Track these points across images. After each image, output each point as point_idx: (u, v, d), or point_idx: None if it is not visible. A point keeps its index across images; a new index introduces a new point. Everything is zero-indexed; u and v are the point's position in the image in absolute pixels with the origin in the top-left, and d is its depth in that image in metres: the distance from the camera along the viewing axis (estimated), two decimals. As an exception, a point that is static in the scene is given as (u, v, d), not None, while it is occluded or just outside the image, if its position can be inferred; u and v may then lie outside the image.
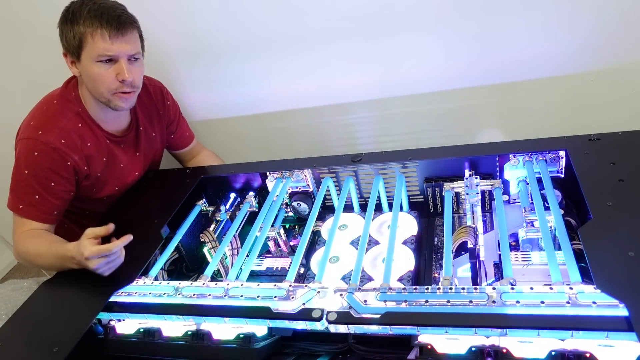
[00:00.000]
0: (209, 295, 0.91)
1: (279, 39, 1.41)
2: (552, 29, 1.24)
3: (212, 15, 1.41)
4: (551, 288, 0.74)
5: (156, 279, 1.04)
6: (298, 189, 1.28)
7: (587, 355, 0.69)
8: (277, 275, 1.15)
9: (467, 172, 1.09)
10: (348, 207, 1.23)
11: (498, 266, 0.94)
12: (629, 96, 1.31)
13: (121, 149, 1.27)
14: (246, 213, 1.24)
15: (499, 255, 0.92)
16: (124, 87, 1.12)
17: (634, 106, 1.32)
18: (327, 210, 1.27)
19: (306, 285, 0.87)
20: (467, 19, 1.27)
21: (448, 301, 0.76)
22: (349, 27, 1.34)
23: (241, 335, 0.87)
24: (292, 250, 1.22)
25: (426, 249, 1.12)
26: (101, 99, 1.14)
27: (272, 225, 1.16)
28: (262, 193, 1.31)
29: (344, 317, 0.79)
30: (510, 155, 1.06)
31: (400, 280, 1.00)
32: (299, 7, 1.33)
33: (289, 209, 1.31)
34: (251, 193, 1.27)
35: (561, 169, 1.06)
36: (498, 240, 0.95)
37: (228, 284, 0.92)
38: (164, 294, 0.94)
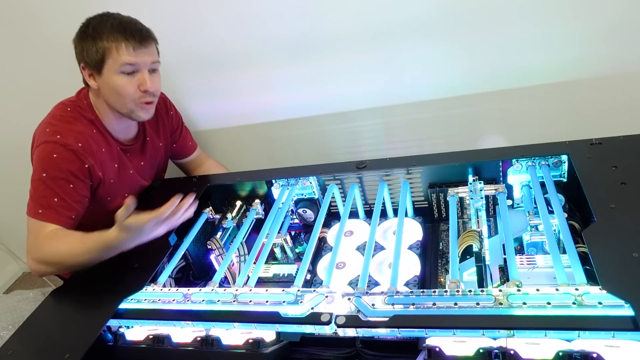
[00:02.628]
0: (218, 301, 0.91)
1: (282, 49, 1.44)
2: (553, 36, 1.26)
3: (216, 25, 1.43)
4: (557, 289, 0.75)
5: (164, 286, 1.05)
6: (304, 196, 1.29)
7: (594, 355, 0.70)
8: (284, 282, 1.16)
9: (471, 178, 1.11)
10: (353, 214, 1.24)
11: (504, 270, 0.95)
12: (630, 101, 1.33)
13: (127, 157, 1.29)
14: (252, 220, 1.25)
15: (504, 259, 0.93)
16: (146, 96, 1.16)
17: (634, 110, 1.34)
18: (332, 216, 1.28)
19: (314, 290, 0.88)
20: (468, 27, 1.29)
21: (455, 303, 0.77)
22: (352, 37, 1.36)
23: (250, 341, 0.88)
24: (299, 257, 1.23)
25: (432, 254, 1.13)
26: (123, 110, 1.17)
27: (279, 232, 1.17)
28: (268, 201, 1.32)
29: (352, 321, 0.80)
30: (514, 160, 1.08)
31: (406, 285, 1.01)
32: (302, 17, 1.36)
33: (294, 216, 1.32)
34: (257, 201, 1.28)
35: (564, 173, 1.07)
36: (503, 244, 0.96)
37: (237, 290, 0.93)
38: (173, 300, 0.94)
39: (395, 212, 1.19)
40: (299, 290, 0.89)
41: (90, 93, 1.22)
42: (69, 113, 1.19)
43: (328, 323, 0.80)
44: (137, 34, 1.11)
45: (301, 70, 1.47)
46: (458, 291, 0.80)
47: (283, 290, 0.90)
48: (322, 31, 1.37)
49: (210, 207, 1.27)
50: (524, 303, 0.74)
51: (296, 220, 1.32)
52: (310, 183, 1.25)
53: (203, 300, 0.92)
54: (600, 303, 0.70)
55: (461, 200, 1.14)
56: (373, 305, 0.82)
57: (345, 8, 1.31)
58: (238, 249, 1.15)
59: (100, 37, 1.09)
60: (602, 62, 1.28)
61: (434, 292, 0.81)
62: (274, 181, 1.28)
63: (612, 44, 1.25)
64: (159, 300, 0.95)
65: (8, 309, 1.67)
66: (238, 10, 1.38)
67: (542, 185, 1.03)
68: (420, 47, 1.35)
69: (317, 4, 1.33)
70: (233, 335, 0.91)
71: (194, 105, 1.65)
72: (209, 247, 1.18)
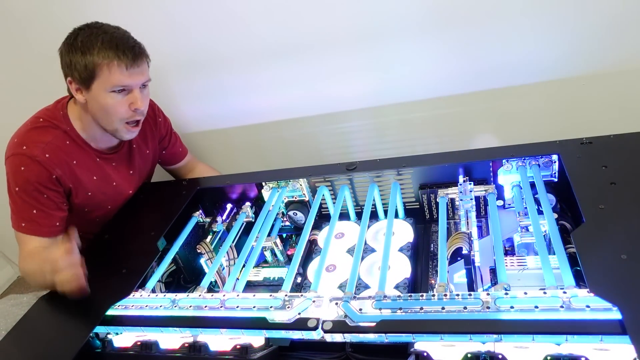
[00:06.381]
0: (205, 306, 0.90)
1: (271, 50, 1.43)
2: (543, 34, 1.26)
3: (204, 27, 1.42)
4: (545, 292, 0.74)
5: (153, 291, 1.04)
6: (294, 199, 1.28)
7: (583, 359, 0.69)
8: (274, 285, 1.15)
9: (461, 178, 1.10)
10: (344, 216, 1.23)
11: (494, 271, 0.94)
12: (620, 99, 1.32)
13: (113, 167, 1.27)
14: (242, 223, 1.24)
15: (495, 260, 0.92)
16: (135, 115, 1.14)
17: (624, 109, 1.33)
18: (323, 219, 1.28)
19: (302, 295, 0.87)
20: (458, 26, 1.28)
21: (443, 308, 0.76)
22: (341, 37, 1.36)
23: (238, 347, 0.87)
24: (289, 260, 1.23)
25: (422, 255, 1.12)
26: (108, 127, 1.15)
27: (269, 235, 1.16)
28: (258, 203, 1.31)
29: (339, 326, 0.79)
30: (504, 161, 1.07)
31: (396, 287, 1.00)
32: (291, 18, 1.35)
33: (285, 219, 1.31)
34: (247, 203, 1.27)
35: (554, 173, 1.06)
36: (493, 246, 0.96)
37: (224, 295, 0.92)
38: (161, 306, 0.93)
39: (386, 213, 1.18)
40: (286, 295, 0.88)
41: (72, 103, 1.20)
42: (41, 123, 1.17)
43: (315, 329, 0.79)
44: (130, 52, 1.06)
45: (291, 71, 1.46)
46: (446, 295, 0.79)
47: (271, 295, 0.89)
48: (311, 32, 1.37)
49: (200, 211, 1.27)
50: (512, 307, 0.73)
51: (287, 223, 1.32)
52: (301, 185, 1.24)
53: (190, 306, 0.91)
54: (588, 306, 0.70)
55: (452, 201, 1.13)
56: (361, 310, 0.81)
57: (334, 8, 1.31)
58: (227, 252, 1.15)
59: (91, 52, 1.05)
60: (593, 60, 1.27)
61: (422, 296, 0.80)
62: (264, 183, 1.28)
63: (603, 42, 1.24)
64: (147, 306, 0.94)
65: (1, 314, 1.65)
66: (227, 11, 1.37)
67: (533, 185, 1.03)
68: (410, 47, 1.34)
69: (307, 4, 1.32)
70: (221, 341, 0.90)
71: (183, 107, 1.64)
72: (199, 251, 1.18)
